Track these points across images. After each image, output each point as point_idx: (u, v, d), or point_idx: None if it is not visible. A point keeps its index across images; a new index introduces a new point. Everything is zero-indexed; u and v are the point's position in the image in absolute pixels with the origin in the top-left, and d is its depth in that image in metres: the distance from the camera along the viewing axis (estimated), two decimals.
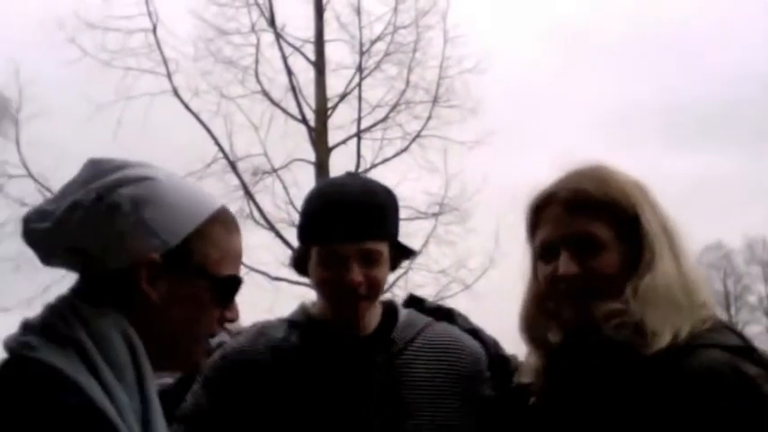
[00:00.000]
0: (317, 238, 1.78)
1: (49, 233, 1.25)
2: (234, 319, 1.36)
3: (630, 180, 1.64)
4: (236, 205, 13.02)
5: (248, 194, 13.41)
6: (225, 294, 1.32)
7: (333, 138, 13.74)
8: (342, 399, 1.77)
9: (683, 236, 1.62)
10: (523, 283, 1.72)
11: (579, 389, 1.57)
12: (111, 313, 1.23)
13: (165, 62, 13.47)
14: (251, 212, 13.27)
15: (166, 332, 1.27)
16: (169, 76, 13.49)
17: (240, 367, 1.82)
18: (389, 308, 1.91)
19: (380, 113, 13.86)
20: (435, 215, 13.64)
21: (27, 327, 1.24)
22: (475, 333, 1.95)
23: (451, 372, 1.84)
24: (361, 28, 13.85)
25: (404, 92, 13.86)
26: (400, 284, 12.50)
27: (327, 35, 13.91)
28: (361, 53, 13.85)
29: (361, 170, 13.07)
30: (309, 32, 13.86)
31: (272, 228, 13.17)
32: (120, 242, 1.23)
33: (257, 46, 13.76)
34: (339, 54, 14.07)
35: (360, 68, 13.80)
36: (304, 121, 13.66)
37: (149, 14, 13.41)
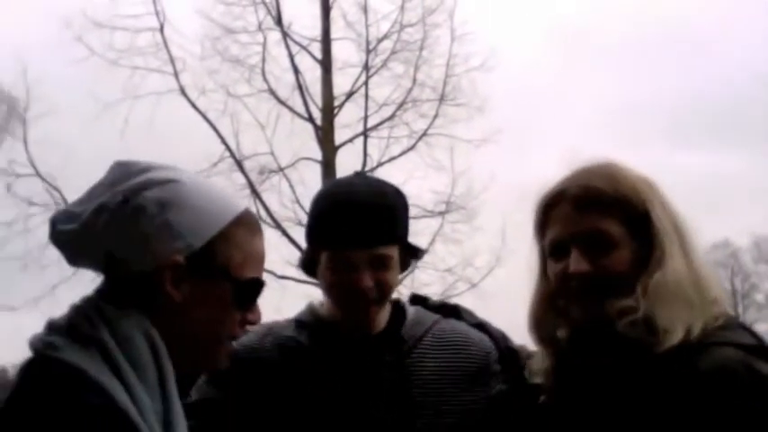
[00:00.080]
0: (328, 243, 1.76)
1: (76, 235, 1.27)
2: (256, 322, 1.37)
3: (640, 177, 1.63)
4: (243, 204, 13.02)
5: (255, 193, 13.43)
6: (247, 297, 1.33)
7: (339, 136, 13.77)
8: (352, 398, 1.76)
9: (692, 233, 1.61)
10: (531, 282, 1.72)
11: (590, 387, 1.57)
12: (135, 314, 1.24)
13: (172, 61, 13.54)
14: (257, 211, 13.28)
15: (189, 334, 1.28)
16: (176, 74, 13.56)
17: (249, 366, 1.81)
18: (397, 306, 1.91)
19: (387, 112, 13.90)
20: (442, 213, 13.65)
21: (52, 327, 1.25)
22: (482, 327, 1.95)
23: (461, 368, 1.84)
24: (367, 26, 13.88)
25: (410, 90, 13.89)
26: (406, 283, 12.48)
27: (334, 33, 13.94)
28: (368, 51, 13.87)
29: (367, 168, 13.07)
30: (316, 31, 13.90)
31: (278, 226, 13.18)
32: (146, 244, 1.24)
33: (264, 44, 13.82)
34: (346, 52, 14.11)
35: (366, 67, 13.81)
36: (311, 119, 13.67)
37: (156, 13, 13.49)
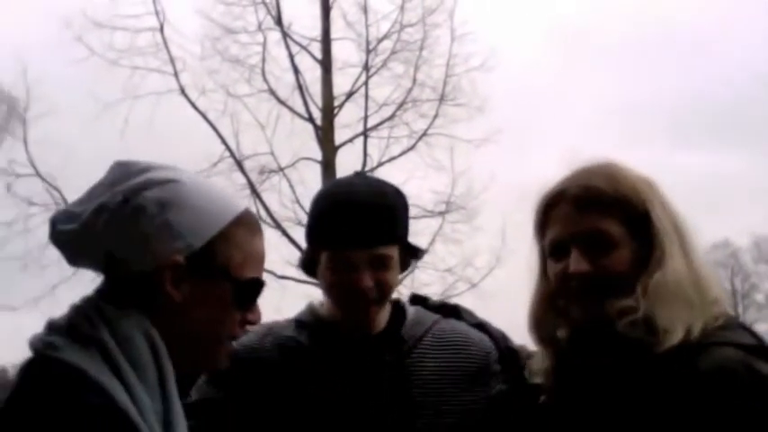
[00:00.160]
0: (327, 243, 1.76)
1: (76, 235, 1.27)
2: (256, 322, 1.37)
3: (640, 177, 1.63)
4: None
5: (255, 193, 13.43)
6: (247, 297, 1.33)
7: (339, 136, 13.78)
8: (352, 398, 1.76)
9: (692, 233, 1.61)
10: (531, 282, 1.71)
11: (590, 387, 1.56)
12: (135, 314, 1.24)
13: (171, 61, 13.54)
14: (257, 211, 13.27)
15: (189, 334, 1.28)
16: (176, 74, 13.56)
17: (249, 366, 1.81)
18: (397, 306, 1.90)
19: (387, 112, 13.91)
20: (442, 213, 13.65)
21: (52, 327, 1.25)
22: (482, 327, 1.95)
23: (461, 368, 1.84)
24: (367, 26, 13.89)
25: (410, 90, 13.89)
26: (406, 283, 12.48)
27: (334, 33, 13.94)
28: (368, 51, 13.87)
29: (367, 169, 13.07)
30: (316, 31, 13.90)
31: (278, 226, 13.18)
32: (146, 244, 1.24)
33: (264, 45, 13.82)
34: (346, 52, 14.12)
35: (366, 67, 13.81)
36: (311, 119, 13.67)
37: (156, 13, 13.49)
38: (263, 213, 13.26)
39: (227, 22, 13.84)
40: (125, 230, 1.24)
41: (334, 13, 13.93)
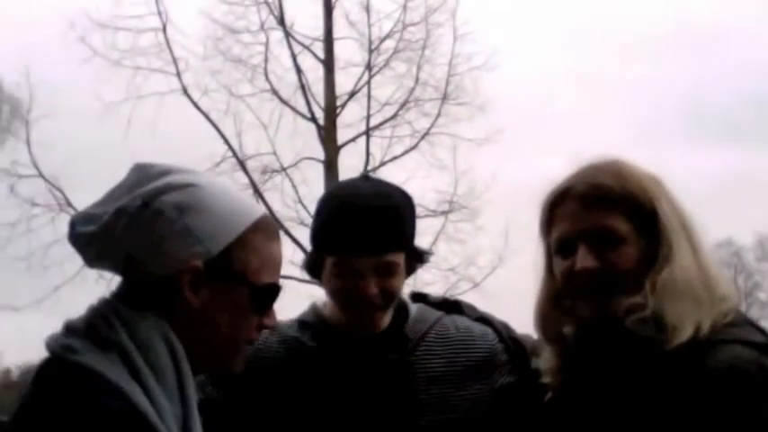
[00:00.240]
0: (333, 249, 1.75)
1: (95, 237, 1.27)
2: (272, 326, 1.39)
3: (647, 174, 1.62)
4: None
5: (257, 193, 13.43)
6: (264, 302, 1.34)
7: (342, 136, 13.77)
8: (356, 398, 1.76)
9: (700, 230, 1.60)
10: (537, 280, 1.71)
11: (598, 385, 1.56)
12: (153, 317, 1.24)
13: (174, 61, 13.53)
14: None
15: (207, 338, 1.28)
16: (179, 75, 13.55)
17: (253, 366, 1.80)
18: (400, 304, 1.89)
19: (389, 111, 13.89)
20: (444, 213, 13.65)
21: (69, 329, 1.25)
22: (485, 320, 1.94)
23: (466, 364, 1.83)
24: (370, 26, 13.87)
25: (413, 89, 13.87)
26: (409, 282, 12.44)
27: (336, 33, 13.93)
28: (370, 51, 13.86)
29: (370, 168, 13.08)
30: (318, 31, 13.89)
31: (280, 226, 13.18)
32: (164, 249, 1.25)
33: (266, 44, 13.81)
34: (348, 52, 14.10)
35: (369, 66, 13.81)
36: (313, 119, 13.67)
37: (159, 14, 13.47)
38: None
39: (230, 22, 13.86)
40: (144, 234, 1.25)
41: (336, 13, 13.94)
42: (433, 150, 13.81)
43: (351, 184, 1.88)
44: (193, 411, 1.22)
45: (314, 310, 1.91)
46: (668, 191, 1.61)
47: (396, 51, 13.98)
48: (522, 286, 1.74)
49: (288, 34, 13.73)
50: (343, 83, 13.90)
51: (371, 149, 13.73)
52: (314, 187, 13.16)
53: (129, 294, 1.28)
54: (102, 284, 8.68)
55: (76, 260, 1.39)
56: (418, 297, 1.99)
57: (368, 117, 13.74)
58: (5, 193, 13.66)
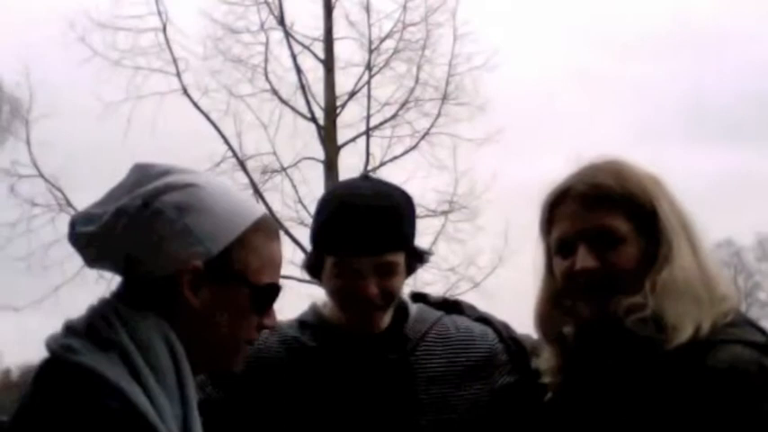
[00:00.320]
0: (333, 249, 1.75)
1: (95, 237, 1.27)
2: (272, 326, 1.39)
3: (647, 174, 1.62)
4: None
5: (257, 193, 13.42)
6: (265, 302, 1.34)
7: (342, 136, 13.77)
8: (356, 398, 1.76)
9: (700, 230, 1.60)
10: (537, 280, 1.71)
11: (598, 385, 1.56)
12: (153, 318, 1.24)
13: (174, 61, 13.54)
14: None
15: (207, 338, 1.28)
16: (179, 75, 13.56)
17: (252, 366, 1.80)
18: (400, 304, 1.89)
19: (389, 111, 13.89)
20: (444, 213, 13.64)
21: (69, 329, 1.25)
22: (485, 320, 1.94)
23: (466, 364, 1.83)
24: (370, 26, 13.88)
25: (413, 89, 13.88)
26: (409, 282, 12.45)
27: (336, 33, 13.93)
28: (370, 51, 13.87)
29: (370, 168, 13.08)
30: (318, 31, 13.89)
31: (280, 226, 13.18)
32: (164, 249, 1.25)
33: (266, 44, 13.81)
34: (348, 52, 14.10)
35: (369, 66, 13.82)
36: (313, 119, 13.67)
37: (159, 14, 13.47)
38: None
39: (230, 22, 13.85)
40: (144, 234, 1.25)
41: (336, 13, 13.94)
42: (432, 150, 13.84)
43: (351, 183, 1.88)
44: (193, 411, 1.22)
45: (314, 310, 1.91)
46: (668, 191, 1.61)
47: (396, 51, 13.99)
48: (522, 286, 1.75)
49: (288, 34, 13.74)
50: (343, 83, 13.93)
51: (371, 149, 13.75)
52: (314, 187, 13.19)
53: (129, 294, 1.28)
54: (102, 284, 8.67)
55: (76, 260, 1.39)
56: (418, 297, 1.99)
57: (368, 117, 13.75)
58: (5, 193, 13.67)
